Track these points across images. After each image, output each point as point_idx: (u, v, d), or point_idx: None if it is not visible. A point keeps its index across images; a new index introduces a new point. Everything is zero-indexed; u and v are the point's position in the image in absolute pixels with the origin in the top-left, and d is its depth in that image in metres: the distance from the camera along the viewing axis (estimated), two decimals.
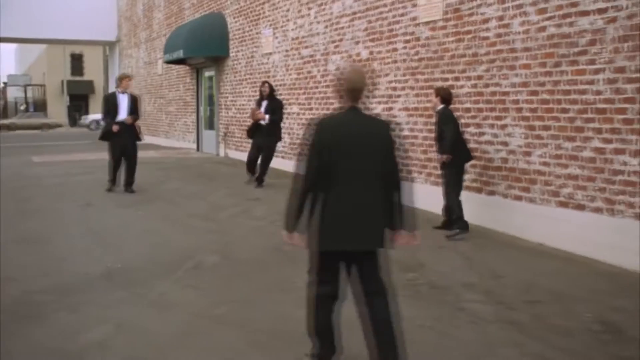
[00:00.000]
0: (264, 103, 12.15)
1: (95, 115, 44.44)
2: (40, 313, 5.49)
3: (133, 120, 11.66)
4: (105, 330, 5.13)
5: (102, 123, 13.34)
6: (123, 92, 11.64)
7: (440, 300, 5.81)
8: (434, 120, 8.64)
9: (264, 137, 11.96)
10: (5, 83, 55.72)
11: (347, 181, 3.92)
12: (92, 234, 8.47)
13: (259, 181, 12.00)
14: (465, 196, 8.26)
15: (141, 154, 18.53)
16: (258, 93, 12.67)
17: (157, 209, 10.19)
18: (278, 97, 12.73)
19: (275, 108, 12.04)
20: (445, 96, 8.21)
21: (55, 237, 8.27)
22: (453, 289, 6.09)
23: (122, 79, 11.81)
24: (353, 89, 3.96)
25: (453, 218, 8.13)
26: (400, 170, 4.09)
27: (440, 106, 8.18)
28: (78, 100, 48.80)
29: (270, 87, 12.34)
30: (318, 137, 3.91)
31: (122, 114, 11.54)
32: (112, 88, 30.04)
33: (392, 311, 4.10)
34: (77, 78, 50.54)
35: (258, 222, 9.08)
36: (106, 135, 11.65)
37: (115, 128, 11.37)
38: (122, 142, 11.40)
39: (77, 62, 49.89)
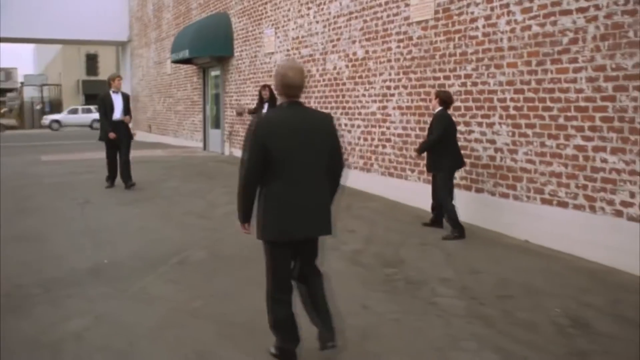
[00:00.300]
0: (266, 106, 12.55)
1: (55, 115, 44.55)
2: (25, 306, 5.68)
3: (130, 120, 12.00)
4: (84, 322, 5.29)
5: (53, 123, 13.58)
6: (116, 92, 11.90)
7: (414, 295, 5.91)
8: (428, 120, 8.74)
9: None
10: (22, 83, 56.35)
11: (291, 173, 4.07)
12: (87, 231, 8.64)
13: None
14: (455, 194, 8.32)
15: (148, 153, 18.91)
16: (257, 96, 12.91)
17: (155, 206, 10.36)
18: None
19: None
20: (445, 99, 8.15)
21: (51, 235, 8.45)
22: (429, 284, 6.18)
23: (114, 79, 12.10)
24: (289, 85, 4.09)
25: (447, 220, 8.10)
26: (344, 159, 4.42)
27: (439, 108, 8.13)
28: (93, 100, 49.15)
29: (271, 90, 12.65)
30: (258, 133, 4.04)
31: (117, 113, 11.83)
32: (125, 88, 30.36)
33: (326, 289, 4.47)
34: (92, 78, 50.97)
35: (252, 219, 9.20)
36: (105, 136, 11.88)
37: (111, 135, 11.67)
38: (116, 140, 11.70)
39: (92, 62, 50.36)
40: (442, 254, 7.28)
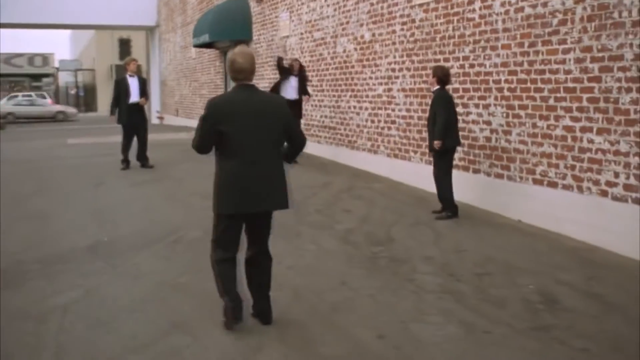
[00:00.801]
0: (293, 79, 12.47)
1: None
2: (21, 280, 6.00)
3: (145, 102, 12.29)
4: (73, 295, 5.57)
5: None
6: (132, 76, 12.20)
7: (395, 272, 6.07)
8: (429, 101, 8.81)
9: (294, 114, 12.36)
10: (57, 68, 57.36)
11: (242, 151, 4.37)
12: (94, 210, 8.95)
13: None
14: (453, 175, 8.41)
15: (171, 136, 19.29)
16: (278, 69, 12.82)
17: (164, 187, 10.66)
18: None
19: (305, 84, 12.63)
20: (443, 77, 8.04)
21: (59, 214, 8.80)
22: (411, 262, 6.33)
23: (129, 62, 12.42)
24: (239, 69, 4.40)
25: (441, 199, 8.14)
26: (303, 137, 4.78)
27: (436, 87, 8.03)
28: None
29: (300, 64, 12.72)
30: (209, 112, 4.39)
31: (134, 96, 12.15)
32: (154, 72, 30.95)
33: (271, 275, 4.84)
34: None
35: None
36: (123, 119, 12.23)
37: (111, 119, 12.33)
38: (133, 122, 12.03)
39: (125, 47, 50.91)
40: (432, 233, 7.42)
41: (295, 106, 12.04)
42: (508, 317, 4.94)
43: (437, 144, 7.89)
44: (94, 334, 4.77)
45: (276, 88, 12.41)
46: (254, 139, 4.37)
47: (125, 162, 12.30)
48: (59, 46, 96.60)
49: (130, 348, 4.51)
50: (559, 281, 5.72)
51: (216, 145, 4.43)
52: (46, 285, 5.85)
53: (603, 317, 4.96)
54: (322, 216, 8.35)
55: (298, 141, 4.71)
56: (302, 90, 12.46)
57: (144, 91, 12.34)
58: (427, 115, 8.98)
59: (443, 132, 7.84)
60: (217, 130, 4.33)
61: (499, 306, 5.16)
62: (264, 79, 16.70)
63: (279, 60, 12.81)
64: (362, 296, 5.43)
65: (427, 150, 9.63)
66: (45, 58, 66.42)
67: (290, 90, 12.32)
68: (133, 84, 12.24)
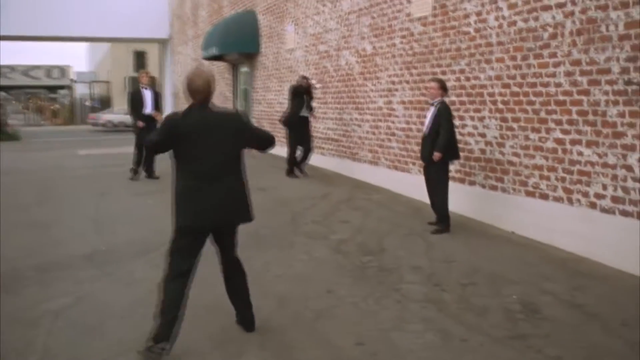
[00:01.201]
0: (305, 97, 12.45)
1: None
2: (15, 286, 6.13)
3: (159, 115, 12.43)
4: (66, 301, 5.71)
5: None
6: (146, 88, 12.40)
7: (381, 281, 6.16)
8: (428, 111, 8.82)
9: (308, 130, 12.49)
10: (73, 80, 57.99)
11: (198, 168, 4.44)
12: (95, 220, 9.11)
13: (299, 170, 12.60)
14: (449, 187, 8.47)
15: None
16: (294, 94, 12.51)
17: (167, 197, 10.64)
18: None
19: (311, 101, 12.66)
20: (445, 86, 8.10)
21: (61, 223, 8.96)
22: (399, 272, 6.42)
23: (141, 75, 12.58)
24: (196, 90, 4.47)
25: (436, 211, 8.10)
26: (267, 137, 4.90)
27: (439, 98, 7.98)
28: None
29: (308, 81, 12.64)
30: (164, 129, 4.52)
31: (148, 108, 12.34)
32: (167, 84, 31.31)
33: (247, 283, 4.90)
34: None
35: None
36: (135, 129, 12.45)
37: (140, 124, 12.19)
38: (146, 134, 12.16)
39: (140, 59, 51.39)
40: (424, 243, 7.50)
41: (307, 123, 12.33)
42: (487, 326, 5.02)
43: (437, 156, 7.85)
44: (82, 339, 4.90)
45: (297, 110, 12.40)
46: (210, 156, 4.43)
47: (134, 172, 12.48)
48: (76, 58, 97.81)
49: (115, 352, 4.64)
50: (543, 291, 5.79)
51: (175, 158, 4.51)
52: (40, 292, 5.99)
53: (582, 326, 5.03)
54: (318, 226, 8.45)
55: (264, 139, 4.85)
56: (309, 108, 12.51)
57: (157, 104, 12.53)
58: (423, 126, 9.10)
59: (447, 145, 7.85)
60: (172, 146, 4.46)
61: (479, 315, 5.24)
62: (270, 91, 16.89)
63: (299, 86, 12.55)
64: (346, 304, 5.52)
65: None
66: (63, 70, 67.19)
67: (305, 107, 12.41)
68: (147, 95, 12.46)
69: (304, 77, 12.67)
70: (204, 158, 4.42)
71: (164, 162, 13.02)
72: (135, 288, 6.05)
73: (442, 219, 8.06)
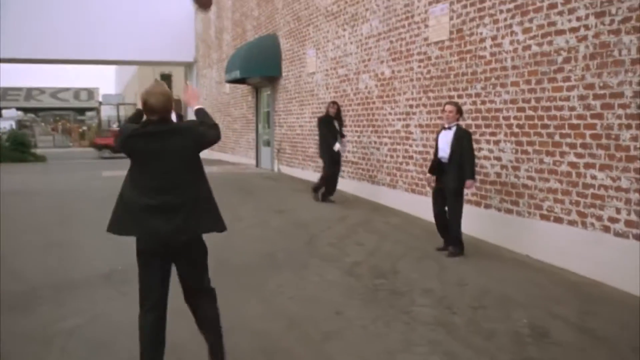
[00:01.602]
0: (335, 123, 12.12)
1: None
2: (32, 305, 6.25)
3: None
4: (80, 320, 5.81)
5: None
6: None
7: (393, 304, 6.18)
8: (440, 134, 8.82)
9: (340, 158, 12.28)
10: (100, 102, 58.84)
11: (145, 182, 4.26)
12: (114, 240, 9.17)
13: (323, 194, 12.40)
14: (465, 210, 8.47)
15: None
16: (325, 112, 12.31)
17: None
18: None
19: (342, 127, 12.35)
20: (461, 111, 8.11)
21: (81, 242, 9.10)
22: (410, 295, 6.44)
23: None
24: (151, 109, 4.24)
25: (452, 236, 8.02)
26: (212, 132, 4.44)
27: (456, 123, 7.95)
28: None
29: (338, 107, 12.29)
30: (121, 144, 4.32)
31: None
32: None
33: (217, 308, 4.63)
34: None
35: (269, 232, 9.65)
36: None
37: None
38: None
39: (166, 82, 52.08)
40: (437, 266, 7.51)
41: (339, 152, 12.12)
42: (494, 349, 5.02)
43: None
44: (94, 357, 4.99)
45: (326, 140, 12.14)
46: (157, 170, 4.23)
47: None
48: (105, 81, 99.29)
49: None
50: (553, 315, 5.77)
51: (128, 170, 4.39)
52: (55, 310, 6.09)
53: (591, 351, 5.01)
54: (333, 249, 8.49)
55: (211, 134, 4.43)
56: (341, 134, 12.21)
57: None
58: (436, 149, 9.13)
59: (474, 167, 7.86)
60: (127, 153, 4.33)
61: (487, 338, 5.24)
62: (292, 114, 17.03)
63: (325, 115, 12.30)
64: (355, 326, 5.55)
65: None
66: (90, 92, 68.36)
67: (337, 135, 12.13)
68: (172, 118, 12.55)
69: (333, 102, 12.34)
70: (151, 172, 4.24)
71: None
72: None
73: (457, 242, 8.04)
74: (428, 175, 8.52)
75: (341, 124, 12.28)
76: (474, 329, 5.47)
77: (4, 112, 54.40)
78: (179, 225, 4.24)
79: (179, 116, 12.59)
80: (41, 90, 67.66)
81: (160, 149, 4.23)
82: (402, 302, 6.23)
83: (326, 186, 12.30)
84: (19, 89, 66.52)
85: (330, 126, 12.09)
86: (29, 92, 67.03)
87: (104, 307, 6.19)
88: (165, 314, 4.48)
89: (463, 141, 7.84)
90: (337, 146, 11.98)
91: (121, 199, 4.39)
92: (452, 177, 7.88)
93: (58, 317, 5.91)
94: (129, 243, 8.84)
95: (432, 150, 10.01)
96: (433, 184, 8.24)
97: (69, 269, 7.63)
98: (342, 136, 12.25)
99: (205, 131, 4.41)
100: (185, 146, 4.29)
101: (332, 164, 12.12)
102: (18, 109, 60.02)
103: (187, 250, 4.44)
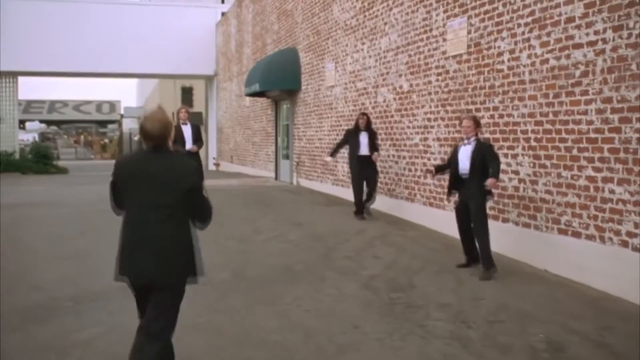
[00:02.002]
0: (363, 135, 11.84)
1: None
2: (50, 316, 6.33)
3: (198, 148, 12.58)
4: (97, 331, 5.87)
5: None
6: (184, 123, 12.58)
7: (409, 317, 6.17)
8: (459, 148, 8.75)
9: (371, 170, 11.90)
10: (121, 115, 59.44)
11: (132, 214, 4.18)
12: None
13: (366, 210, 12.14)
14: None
15: (222, 182, 19.79)
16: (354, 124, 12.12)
17: (204, 231, 10.95)
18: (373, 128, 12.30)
19: (375, 139, 12.02)
20: (479, 124, 8.00)
21: (100, 254, 9.14)
22: (426, 308, 6.43)
23: (179, 111, 12.80)
24: (146, 135, 4.14)
25: (483, 258, 7.69)
26: (203, 209, 4.24)
27: (474, 136, 7.80)
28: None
29: (368, 118, 12.08)
30: (113, 172, 4.29)
31: (188, 144, 12.51)
32: (211, 119, 31.95)
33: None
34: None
35: (287, 244, 9.68)
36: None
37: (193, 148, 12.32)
38: None
39: (187, 95, 52.37)
40: (454, 280, 7.50)
41: (370, 162, 11.83)
42: None
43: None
44: None
45: (350, 151, 12.09)
46: (144, 203, 4.11)
47: None
48: (126, 94, 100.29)
49: None
50: (570, 330, 5.73)
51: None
52: (74, 321, 6.16)
53: None
54: (351, 262, 8.50)
55: (198, 210, 4.23)
56: (372, 146, 11.84)
57: (197, 137, 12.66)
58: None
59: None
60: (118, 188, 4.26)
61: (503, 353, 5.22)
62: (311, 127, 17.09)
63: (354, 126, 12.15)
64: (371, 340, 5.56)
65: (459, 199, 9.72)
66: (113, 105, 68.99)
67: (361, 146, 11.80)
68: (187, 131, 12.56)
69: (362, 114, 12.15)
70: (136, 205, 4.15)
71: None
72: None
73: (490, 262, 7.63)
74: (447, 191, 8.34)
75: (372, 136, 11.92)
76: (490, 343, 5.45)
77: (27, 124, 55.06)
78: (155, 270, 4.17)
79: (195, 127, 12.70)
80: (64, 103, 68.39)
81: (147, 181, 4.11)
82: (418, 315, 6.23)
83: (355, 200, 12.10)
84: (42, 102, 67.29)
85: (350, 137, 11.97)
86: (52, 105, 67.79)
87: (121, 318, 6.22)
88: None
89: (485, 154, 7.65)
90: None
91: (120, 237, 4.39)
92: (475, 192, 7.69)
93: (76, 327, 5.97)
94: None
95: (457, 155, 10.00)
96: (453, 199, 8.14)
97: (88, 280, 7.70)
98: (374, 150, 11.81)
99: (200, 194, 4.21)
100: (175, 186, 4.11)
101: (353, 175, 12.02)
102: (41, 121, 60.77)
103: (157, 289, 4.26)
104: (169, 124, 4.18)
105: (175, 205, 4.11)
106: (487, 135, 9.01)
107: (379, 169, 12.13)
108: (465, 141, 7.92)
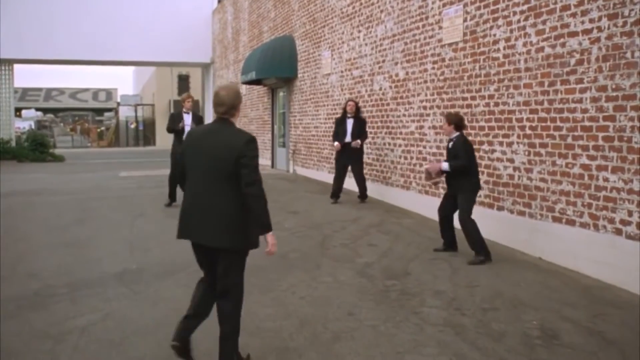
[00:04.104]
0: (350, 122, 12.13)
1: None
2: (46, 303, 6.36)
3: None
4: (93, 318, 5.90)
5: None
6: (187, 112, 12.43)
7: (403, 305, 6.21)
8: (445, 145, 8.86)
9: (354, 158, 12.14)
10: (118, 103, 59.27)
11: (193, 180, 4.53)
12: (129, 240, 9.34)
13: (364, 197, 12.37)
14: (478, 212, 8.46)
15: None
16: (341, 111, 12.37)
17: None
18: (361, 114, 12.57)
19: (363, 127, 12.19)
20: (458, 122, 8.03)
21: (97, 242, 9.20)
22: (421, 296, 6.46)
23: (184, 99, 12.57)
24: (219, 102, 4.51)
25: (470, 244, 7.87)
26: (251, 179, 4.31)
27: (456, 134, 8.01)
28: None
29: (356, 105, 12.28)
30: (184, 141, 4.72)
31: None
32: (208, 108, 31.88)
33: (234, 312, 4.60)
34: None
35: (282, 232, 9.67)
36: (175, 152, 12.44)
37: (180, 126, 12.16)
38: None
39: (183, 83, 52.30)
40: (449, 268, 7.53)
41: (354, 150, 12.02)
42: (503, 350, 5.04)
43: (440, 168, 8.07)
44: (106, 354, 5.06)
45: (337, 131, 12.32)
46: (201, 172, 4.45)
47: (171, 198, 12.31)
48: (123, 82, 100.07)
49: None
50: (564, 318, 5.77)
51: None
52: (70, 308, 6.19)
53: (599, 354, 5.01)
54: (346, 250, 8.53)
55: (245, 185, 4.30)
56: (357, 133, 12.04)
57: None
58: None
59: (456, 169, 7.92)
60: (183, 158, 4.64)
61: (496, 340, 5.25)
62: (307, 115, 17.08)
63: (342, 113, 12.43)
64: (365, 327, 5.59)
65: None
66: (109, 93, 68.81)
67: (347, 134, 12.08)
68: (187, 119, 12.42)
69: (349, 100, 12.38)
70: (196, 172, 4.49)
71: None
72: (161, 307, 6.20)
73: (481, 249, 7.80)
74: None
75: (360, 124, 12.11)
76: (484, 330, 5.49)
77: (23, 112, 54.91)
78: (213, 232, 4.44)
79: (198, 117, 12.66)
80: (60, 91, 68.22)
81: (209, 150, 4.45)
82: (412, 303, 6.26)
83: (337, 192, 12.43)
84: (39, 90, 67.13)
85: (338, 124, 12.30)
86: (49, 93, 67.62)
87: (117, 305, 6.27)
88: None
89: (458, 151, 7.86)
90: (336, 143, 12.25)
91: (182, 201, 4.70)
92: (460, 186, 8.00)
93: (72, 314, 6.01)
94: (143, 244, 8.98)
95: (445, 152, 10.04)
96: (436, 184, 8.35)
97: (84, 268, 7.72)
98: (356, 137, 12.02)
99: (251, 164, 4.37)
100: (230, 156, 4.35)
101: (335, 161, 12.34)
102: (37, 109, 60.58)
103: (223, 252, 4.54)
104: (240, 97, 4.59)
105: (230, 174, 4.35)
106: (482, 123, 9.04)
107: (365, 158, 12.51)
108: (450, 141, 8.13)
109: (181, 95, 13.24)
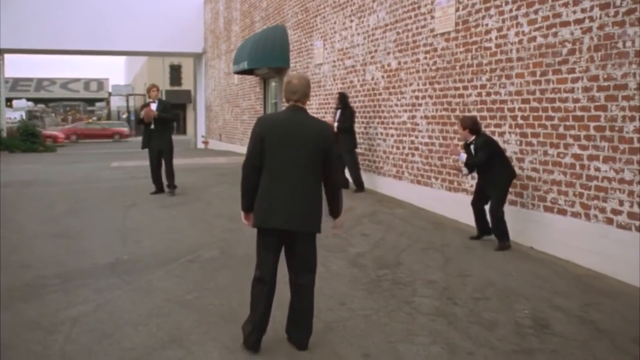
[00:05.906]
0: (337, 113, 12.53)
1: None
2: (38, 293, 6.34)
3: (156, 113, 12.20)
4: (85, 309, 5.88)
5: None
6: (153, 102, 12.42)
7: (395, 294, 6.22)
8: (450, 129, 8.88)
9: (344, 148, 12.14)
10: (109, 93, 59.13)
11: (275, 166, 4.59)
12: (121, 230, 9.33)
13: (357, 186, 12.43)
14: (469, 202, 8.49)
15: (210, 160, 19.78)
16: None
17: (192, 209, 10.99)
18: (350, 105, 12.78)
19: (347, 116, 12.31)
20: (473, 126, 8.04)
21: (89, 233, 9.18)
22: (413, 285, 6.48)
23: (150, 89, 12.62)
24: (293, 90, 4.69)
25: (499, 232, 7.97)
26: (338, 168, 4.70)
27: (472, 137, 8.01)
28: (176, 109, 51.11)
29: (340, 96, 12.68)
30: (257, 129, 4.68)
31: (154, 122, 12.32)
32: (200, 97, 31.81)
33: (314, 282, 4.87)
34: (176, 88, 52.96)
35: None
36: (146, 144, 12.52)
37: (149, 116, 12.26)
38: (157, 148, 12.29)
39: (175, 73, 52.30)
40: (442, 258, 7.54)
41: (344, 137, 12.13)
42: (495, 339, 5.05)
43: (458, 160, 8.35)
44: (98, 345, 5.05)
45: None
46: (287, 158, 4.56)
47: (156, 186, 12.51)
48: (114, 72, 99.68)
49: (127, 358, 4.77)
50: (555, 307, 5.80)
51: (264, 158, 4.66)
52: (62, 299, 6.17)
53: (591, 342, 5.03)
54: (338, 240, 8.51)
55: (331, 175, 4.72)
56: (340, 121, 12.27)
57: (163, 111, 12.32)
58: (447, 142, 9.21)
59: (476, 165, 8.08)
60: (263, 143, 4.60)
61: (488, 329, 5.27)
62: None
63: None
64: (358, 316, 5.60)
65: (446, 177, 9.81)
66: (100, 83, 68.59)
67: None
68: (153, 107, 12.30)
69: (339, 93, 12.97)
70: (281, 159, 4.57)
71: (191, 176, 13.25)
72: (153, 297, 6.19)
73: (506, 237, 7.95)
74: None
75: (348, 114, 12.32)
76: (475, 319, 5.51)
77: (14, 102, 54.65)
78: (299, 217, 4.64)
79: (162, 103, 12.51)
80: (52, 81, 67.95)
81: (293, 136, 4.60)
82: (404, 292, 6.27)
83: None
84: (30, 80, 66.84)
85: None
86: (40, 83, 67.35)
87: (109, 296, 6.26)
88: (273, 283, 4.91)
89: (478, 152, 7.93)
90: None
91: (259, 191, 4.74)
92: (491, 181, 8.02)
93: (64, 305, 5.99)
94: (135, 234, 8.97)
95: (437, 142, 10.06)
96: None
97: (77, 259, 7.71)
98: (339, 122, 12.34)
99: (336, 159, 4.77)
100: (314, 143, 4.60)
101: None
102: (28, 99, 60.31)
103: (302, 237, 4.75)
104: (310, 85, 4.81)
105: (315, 161, 4.60)
106: (474, 113, 9.03)
107: (358, 148, 12.61)
108: (471, 144, 8.13)
109: (147, 86, 13.33)
